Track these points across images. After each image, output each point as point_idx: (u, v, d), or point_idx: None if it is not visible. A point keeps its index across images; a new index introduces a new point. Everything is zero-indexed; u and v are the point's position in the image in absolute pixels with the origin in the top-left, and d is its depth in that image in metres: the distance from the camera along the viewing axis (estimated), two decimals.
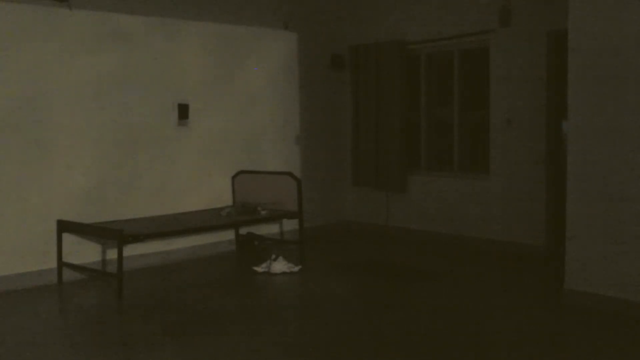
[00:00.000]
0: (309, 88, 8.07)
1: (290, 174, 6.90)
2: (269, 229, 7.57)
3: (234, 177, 7.31)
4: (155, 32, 6.61)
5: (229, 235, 7.28)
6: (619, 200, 4.81)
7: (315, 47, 8.11)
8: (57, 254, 5.93)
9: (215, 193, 7.18)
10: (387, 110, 7.89)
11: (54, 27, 5.91)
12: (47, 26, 5.87)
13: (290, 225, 7.55)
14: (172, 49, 6.75)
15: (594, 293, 4.94)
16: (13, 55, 5.67)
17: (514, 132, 6.90)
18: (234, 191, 7.31)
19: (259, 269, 6.30)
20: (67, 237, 5.98)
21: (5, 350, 4.30)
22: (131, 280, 5.90)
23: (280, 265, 6.25)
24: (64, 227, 5.92)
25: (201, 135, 7.02)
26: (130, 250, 6.12)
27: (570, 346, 4.33)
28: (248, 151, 7.46)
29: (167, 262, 6.67)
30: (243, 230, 7.33)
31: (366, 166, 8.18)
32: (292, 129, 7.92)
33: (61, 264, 5.95)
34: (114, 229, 5.67)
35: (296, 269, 6.29)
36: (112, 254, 6.09)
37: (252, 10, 7.46)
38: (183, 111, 6.81)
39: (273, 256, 6.39)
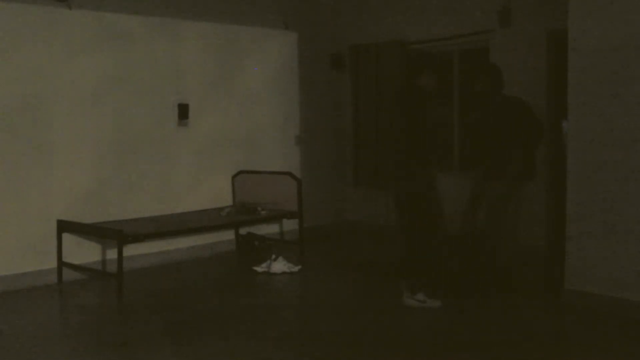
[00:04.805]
0: (309, 88, 8.07)
1: (290, 174, 6.90)
2: (269, 229, 7.57)
3: (234, 177, 7.31)
4: (155, 32, 6.61)
5: (229, 235, 7.28)
6: (619, 200, 4.80)
7: (315, 47, 8.11)
8: (57, 254, 5.93)
9: (215, 193, 7.18)
10: (387, 110, 7.88)
11: (54, 27, 5.91)
12: (46, 26, 5.86)
13: (290, 225, 7.54)
14: (172, 49, 6.75)
15: (594, 293, 4.94)
16: (13, 55, 5.67)
17: None
18: (234, 191, 7.31)
19: (259, 269, 6.30)
20: (67, 237, 5.98)
21: (5, 350, 4.30)
22: (131, 280, 5.89)
23: (280, 265, 6.25)
24: (64, 227, 5.92)
25: (201, 135, 7.02)
26: (130, 250, 6.11)
27: (570, 346, 4.33)
28: (248, 151, 7.46)
29: (167, 262, 6.66)
30: (243, 230, 7.32)
31: (366, 166, 8.18)
32: (292, 129, 7.91)
33: (61, 264, 5.95)
34: (114, 229, 5.68)
35: (296, 269, 6.29)
36: (112, 254, 6.08)
37: (252, 10, 7.46)
38: (183, 111, 6.80)
39: (273, 256, 6.39)
